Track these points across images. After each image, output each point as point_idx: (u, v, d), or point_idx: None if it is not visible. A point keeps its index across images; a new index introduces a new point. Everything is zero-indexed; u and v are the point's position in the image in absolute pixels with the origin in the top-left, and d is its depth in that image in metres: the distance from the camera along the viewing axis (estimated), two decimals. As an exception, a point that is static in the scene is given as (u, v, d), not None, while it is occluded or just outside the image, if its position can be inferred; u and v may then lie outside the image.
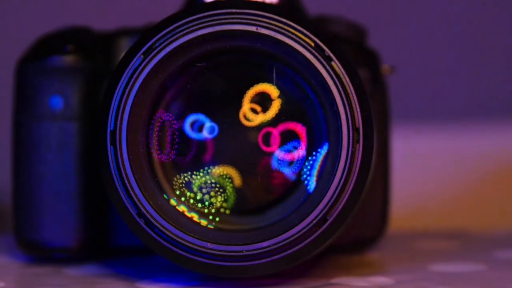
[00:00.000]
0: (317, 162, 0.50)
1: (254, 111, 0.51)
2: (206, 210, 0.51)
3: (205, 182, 0.51)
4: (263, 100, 0.51)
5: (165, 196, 0.50)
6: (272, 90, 0.51)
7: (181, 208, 0.50)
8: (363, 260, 0.60)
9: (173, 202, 0.50)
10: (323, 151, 0.50)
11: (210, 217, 0.50)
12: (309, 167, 0.50)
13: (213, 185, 0.51)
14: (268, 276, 0.50)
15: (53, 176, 0.56)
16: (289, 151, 0.51)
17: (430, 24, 1.01)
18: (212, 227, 0.50)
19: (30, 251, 0.58)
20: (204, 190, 0.51)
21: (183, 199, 0.51)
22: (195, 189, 0.51)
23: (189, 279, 0.52)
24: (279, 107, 0.51)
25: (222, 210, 0.51)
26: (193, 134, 0.51)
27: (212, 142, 0.51)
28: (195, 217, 0.50)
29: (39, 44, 0.58)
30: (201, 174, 0.51)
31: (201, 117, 0.51)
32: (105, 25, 0.62)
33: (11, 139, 0.57)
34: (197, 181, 0.51)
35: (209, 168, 0.51)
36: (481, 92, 1.01)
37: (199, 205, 0.51)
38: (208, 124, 0.51)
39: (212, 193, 0.51)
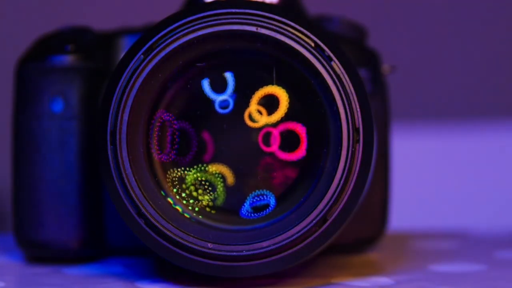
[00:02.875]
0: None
1: (259, 112, 0.51)
2: (190, 207, 0.51)
3: (196, 179, 0.51)
4: (267, 102, 0.51)
5: (162, 193, 0.50)
6: (281, 93, 0.51)
7: (169, 200, 0.50)
8: (363, 260, 0.60)
9: (162, 193, 0.50)
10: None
11: (194, 214, 0.50)
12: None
13: (203, 182, 0.51)
14: (268, 276, 0.50)
15: (53, 176, 0.56)
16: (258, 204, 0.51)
17: (430, 24, 1.01)
18: (193, 221, 0.50)
19: (30, 251, 0.58)
20: (193, 187, 0.51)
21: (174, 191, 0.51)
22: (188, 185, 0.51)
23: (189, 279, 0.52)
24: (286, 111, 0.51)
25: (208, 209, 0.51)
26: (210, 93, 0.51)
27: (212, 141, 0.51)
28: (179, 210, 0.50)
29: (39, 44, 0.58)
30: (193, 170, 0.51)
31: (228, 75, 0.51)
32: (105, 25, 0.62)
33: (11, 139, 0.58)
34: (189, 177, 0.51)
35: (202, 166, 0.51)
36: (482, 92, 1.01)
37: (184, 201, 0.51)
38: (225, 96, 0.50)
39: (200, 191, 0.51)
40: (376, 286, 0.52)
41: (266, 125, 0.51)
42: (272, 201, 0.51)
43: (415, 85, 0.99)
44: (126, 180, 0.50)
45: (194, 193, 0.51)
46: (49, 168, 0.56)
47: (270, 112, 0.51)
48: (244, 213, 0.51)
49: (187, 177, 0.51)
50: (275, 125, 0.51)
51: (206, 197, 0.51)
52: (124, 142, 0.50)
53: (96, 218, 0.57)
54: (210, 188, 0.51)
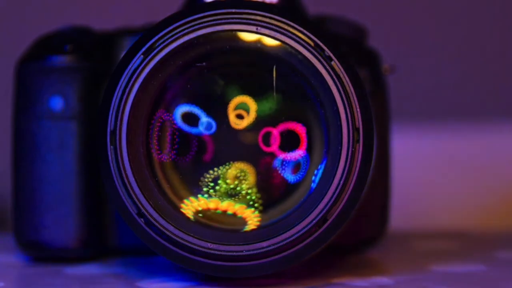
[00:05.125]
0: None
1: (240, 116, 0.51)
2: (190, 208, 0.51)
3: (232, 172, 0.51)
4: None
5: (171, 201, 0.50)
6: (250, 101, 0.51)
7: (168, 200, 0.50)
8: (363, 260, 0.60)
9: (163, 194, 0.50)
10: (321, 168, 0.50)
11: (193, 214, 0.50)
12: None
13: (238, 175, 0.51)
14: (268, 276, 0.50)
15: (53, 176, 0.56)
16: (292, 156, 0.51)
17: (430, 24, 1.01)
18: (193, 221, 0.50)
19: (30, 251, 0.58)
20: (232, 181, 0.51)
21: (212, 192, 0.51)
22: (227, 181, 0.51)
23: (189, 279, 0.52)
24: (256, 115, 0.51)
25: (248, 197, 0.51)
26: (186, 127, 0.51)
27: (212, 142, 0.51)
28: (177, 207, 0.50)
29: (39, 44, 0.58)
30: (221, 168, 0.51)
31: (194, 109, 0.51)
32: (105, 25, 0.62)
33: (11, 139, 0.58)
34: (229, 172, 0.51)
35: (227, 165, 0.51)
36: (482, 92, 1.01)
37: (183, 203, 0.51)
38: (204, 119, 0.51)
39: (236, 182, 0.51)
40: (376, 286, 0.52)
41: (249, 126, 0.51)
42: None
43: (415, 85, 0.99)
44: (126, 180, 0.50)
45: (237, 186, 0.51)
46: (49, 168, 0.56)
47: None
48: (291, 179, 0.51)
49: (227, 172, 0.51)
50: (274, 124, 0.51)
51: (244, 185, 0.51)
52: (124, 142, 0.50)
53: (96, 218, 0.57)
54: (243, 176, 0.51)
